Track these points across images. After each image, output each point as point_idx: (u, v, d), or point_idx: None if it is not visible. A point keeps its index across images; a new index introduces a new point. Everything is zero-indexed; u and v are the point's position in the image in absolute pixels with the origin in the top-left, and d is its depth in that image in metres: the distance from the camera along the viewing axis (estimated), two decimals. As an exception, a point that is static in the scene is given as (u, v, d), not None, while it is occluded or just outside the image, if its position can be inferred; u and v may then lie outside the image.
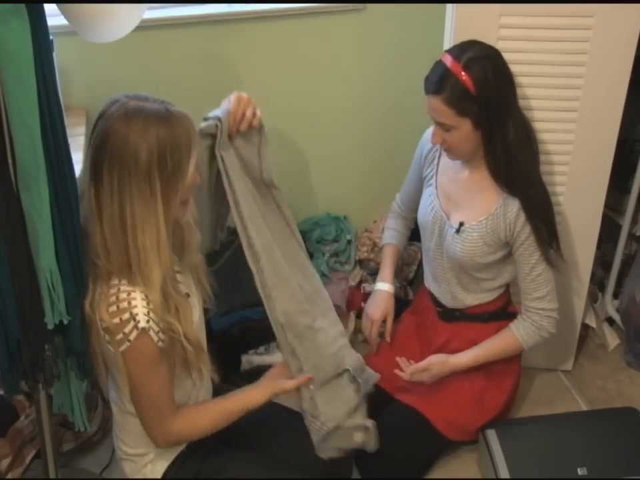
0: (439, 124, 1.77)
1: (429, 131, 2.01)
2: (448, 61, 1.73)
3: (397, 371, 1.94)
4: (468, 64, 1.70)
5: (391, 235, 2.21)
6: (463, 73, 1.70)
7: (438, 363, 1.93)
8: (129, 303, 1.39)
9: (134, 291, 1.39)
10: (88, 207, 1.40)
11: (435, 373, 1.93)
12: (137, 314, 1.38)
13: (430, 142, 1.88)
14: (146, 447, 1.59)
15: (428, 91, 1.75)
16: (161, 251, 1.39)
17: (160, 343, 1.42)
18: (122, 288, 1.40)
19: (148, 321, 1.39)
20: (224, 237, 2.45)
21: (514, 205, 1.81)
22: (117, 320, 1.39)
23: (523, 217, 1.81)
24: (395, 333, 2.19)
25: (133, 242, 1.37)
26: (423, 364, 1.92)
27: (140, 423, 1.53)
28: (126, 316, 1.38)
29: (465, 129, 1.75)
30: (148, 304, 1.40)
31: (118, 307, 1.39)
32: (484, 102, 1.71)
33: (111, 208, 1.37)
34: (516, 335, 1.92)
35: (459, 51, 1.74)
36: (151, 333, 1.40)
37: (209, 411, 1.60)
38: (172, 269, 1.48)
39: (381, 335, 2.10)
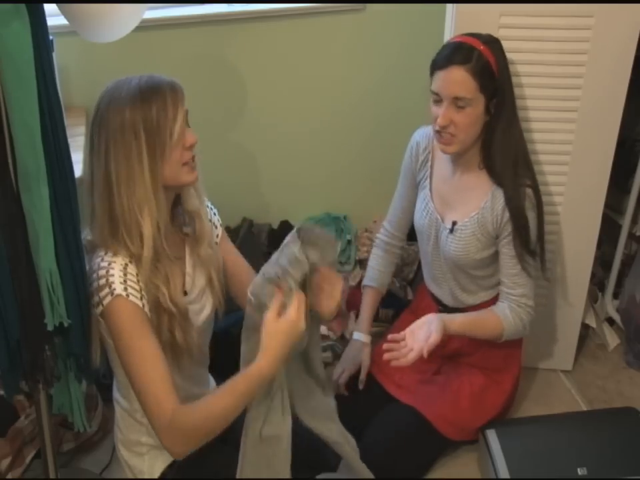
0: (455, 99, 1.72)
1: (418, 133, 2.01)
2: (465, 39, 1.74)
3: (394, 361, 1.77)
4: (488, 43, 1.74)
5: (372, 275, 2.16)
6: (486, 51, 1.72)
7: (420, 323, 1.80)
8: (107, 271, 1.41)
9: (114, 262, 1.42)
10: (85, 182, 1.46)
11: (421, 333, 1.77)
12: (112, 282, 1.40)
13: (438, 122, 1.75)
14: (139, 435, 1.60)
15: (451, 61, 1.71)
16: (149, 205, 1.42)
17: (144, 308, 1.42)
18: (105, 258, 1.43)
19: (125, 289, 1.40)
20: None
21: (501, 198, 1.82)
22: (95, 284, 1.41)
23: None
24: (394, 333, 2.18)
25: (118, 198, 1.41)
26: (403, 332, 1.79)
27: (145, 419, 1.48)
28: (102, 281, 1.41)
29: (478, 108, 1.74)
30: (126, 274, 1.42)
31: (97, 273, 1.42)
32: (500, 86, 1.74)
33: (98, 170, 1.42)
34: (503, 323, 1.87)
35: (471, 33, 1.76)
36: (132, 298, 1.41)
37: (215, 395, 1.42)
38: (166, 230, 1.48)
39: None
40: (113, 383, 1.64)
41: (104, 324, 1.45)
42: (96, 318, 1.46)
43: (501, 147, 1.80)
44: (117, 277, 1.41)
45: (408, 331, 1.80)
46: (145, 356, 1.40)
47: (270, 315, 1.39)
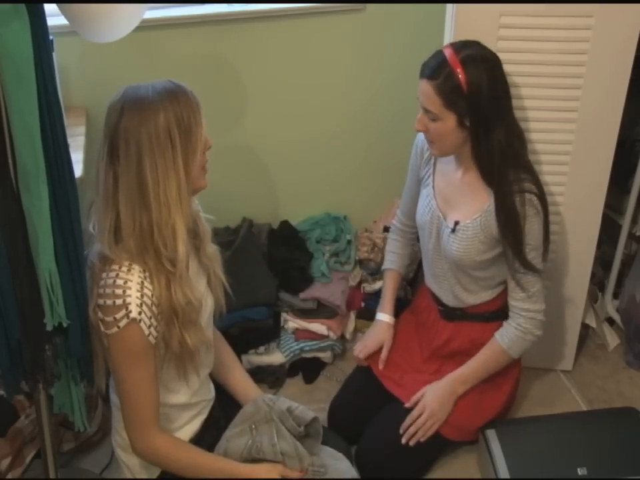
0: (425, 111, 1.75)
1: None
2: (447, 52, 1.72)
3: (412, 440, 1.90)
4: (466, 60, 1.70)
5: (391, 259, 2.21)
6: (459, 68, 1.69)
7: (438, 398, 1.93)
8: (124, 291, 1.40)
9: (131, 280, 1.41)
10: (103, 196, 1.42)
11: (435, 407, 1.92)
12: (129, 303, 1.40)
13: (415, 129, 1.81)
14: None
15: (422, 74, 1.74)
16: (183, 207, 1.43)
17: (151, 337, 1.44)
18: (120, 274, 1.42)
19: (140, 313, 1.40)
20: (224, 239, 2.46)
21: None
22: (110, 302, 1.40)
23: None
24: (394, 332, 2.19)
25: (155, 203, 1.40)
26: (417, 412, 1.92)
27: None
28: (119, 302, 1.40)
29: (448, 123, 1.74)
30: (142, 296, 1.41)
31: (113, 291, 1.41)
32: (474, 103, 1.71)
33: (128, 177, 1.40)
34: (503, 347, 1.91)
35: (460, 45, 1.74)
36: (142, 324, 1.41)
37: (192, 451, 1.58)
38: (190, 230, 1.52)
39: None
40: (110, 383, 1.64)
41: (105, 341, 1.45)
42: (98, 329, 1.45)
43: (486, 160, 1.78)
44: (134, 297, 1.40)
45: (420, 406, 1.91)
46: (140, 385, 1.47)
47: (278, 470, 1.56)
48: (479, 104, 1.71)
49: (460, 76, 1.69)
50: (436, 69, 1.71)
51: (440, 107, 1.72)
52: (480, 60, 1.72)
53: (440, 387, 1.94)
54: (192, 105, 1.44)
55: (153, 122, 1.38)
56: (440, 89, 1.70)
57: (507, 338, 1.92)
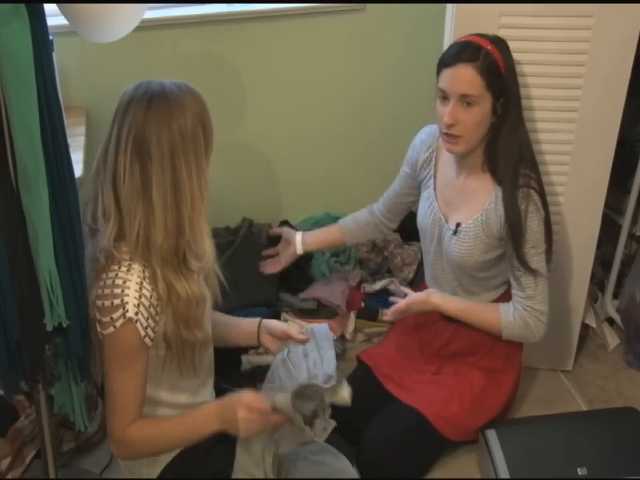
0: (462, 97, 1.73)
1: (424, 130, 2.01)
2: (473, 38, 1.75)
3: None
4: (495, 43, 1.75)
5: (345, 219, 2.23)
6: (492, 48, 1.73)
7: (418, 302, 1.96)
8: (122, 291, 1.40)
9: (129, 280, 1.41)
10: (129, 194, 1.41)
11: (415, 310, 1.98)
12: (127, 302, 1.40)
13: (444, 120, 1.77)
14: None
15: (458, 59, 1.73)
16: (205, 201, 1.46)
17: (147, 339, 1.44)
18: (120, 274, 1.42)
19: (137, 313, 1.40)
20: (224, 240, 2.46)
21: None
22: (108, 303, 1.40)
23: None
24: (394, 332, 2.19)
25: (186, 198, 1.42)
26: (402, 305, 1.96)
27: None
28: (117, 301, 1.40)
29: (485, 107, 1.75)
30: (141, 296, 1.41)
31: (112, 291, 1.40)
32: (507, 85, 1.75)
33: (163, 176, 1.40)
34: (501, 318, 1.89)
35: (478, 34, 1.77)
36: (138, 325, 1.41)
37: (155, 422, 1.56)
38: None
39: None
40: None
41: (101, 338, 1.44)
42: (95, 327, 1.45)
43: (505, 148, 1.79)
44: (132, 297, 1.40)
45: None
46: (127, 384, 1.46)
47: (250, 401, 1.49)
48: (510, 87, 1.76)
49: (496, 55, 1.73)
50: (473, 52, 1.73)
51: (481, 89, 1.73)
52: (504, 43, 1.78)
53: (430, 305, 1.96)
54: (206, 106, 1.46)
55: (182, 119, 1.40)
56: (482, 70, 1.72)
57: (511, 317, 1.89)
